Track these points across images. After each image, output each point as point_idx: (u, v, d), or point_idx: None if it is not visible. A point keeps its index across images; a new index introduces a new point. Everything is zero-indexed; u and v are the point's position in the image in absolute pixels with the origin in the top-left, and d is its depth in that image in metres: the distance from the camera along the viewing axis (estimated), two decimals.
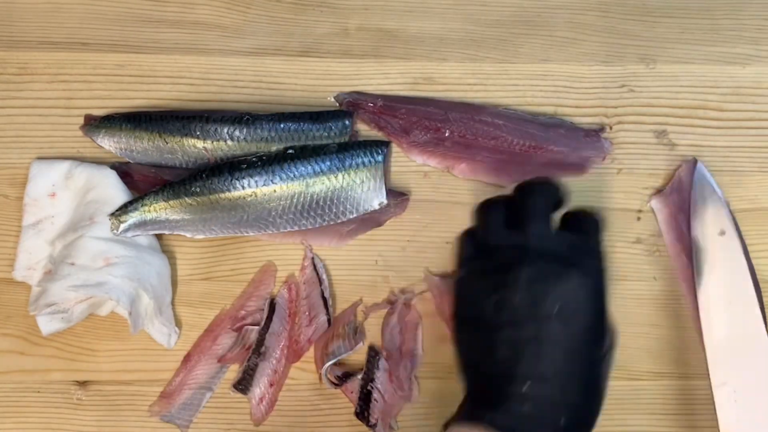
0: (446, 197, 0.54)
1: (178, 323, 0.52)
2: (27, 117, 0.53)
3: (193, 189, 0.51)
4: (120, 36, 0.54)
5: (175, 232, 0.52)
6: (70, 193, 0.51)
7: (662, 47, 0.57)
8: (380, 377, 0.50)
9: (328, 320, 0.52)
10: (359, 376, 0.50)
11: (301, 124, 0.52)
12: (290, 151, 0.52)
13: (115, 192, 0.51)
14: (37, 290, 0.50)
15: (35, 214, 0.51)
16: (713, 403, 0.49)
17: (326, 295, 0.52)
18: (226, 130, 0.52)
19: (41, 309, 0.49)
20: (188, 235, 0.52)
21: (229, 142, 0.52)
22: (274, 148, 0.52)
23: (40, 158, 0.52)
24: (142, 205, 0.51)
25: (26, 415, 0.50)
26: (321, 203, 0.52)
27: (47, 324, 0.49)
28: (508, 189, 0.54)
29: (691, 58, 0.57)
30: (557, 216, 0.46)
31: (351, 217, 0.52)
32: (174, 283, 0.52)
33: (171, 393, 0.50)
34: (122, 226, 0.50)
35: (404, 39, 0.56)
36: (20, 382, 0.50)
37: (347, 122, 0.53)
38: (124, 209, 0.51)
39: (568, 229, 0.46)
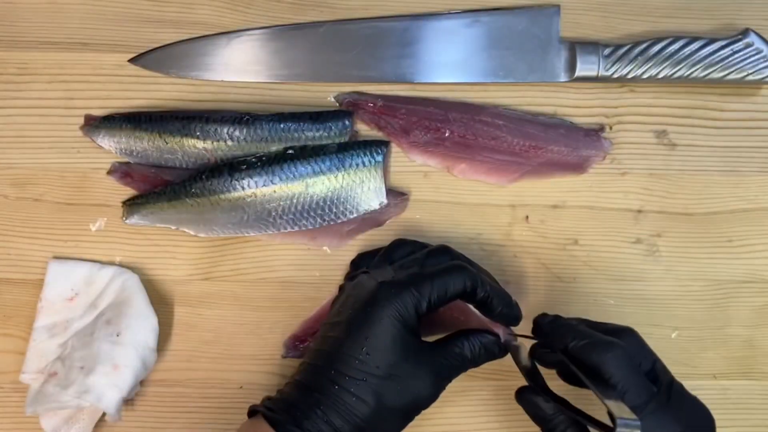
0: (446, 197, 0.54)
1: (178, 323, 0.52)
2: (27, 117, 0.53)
3: (192, 190, 0.51)
4: (120, 36, 0.54)
5: (180, 228, 0.52)
6: (89, 297, 0.51)
7: None
8: None
9: None
10: None
11: (301, 124, 0.52)
12: (290, 151, 0.52)
13: (136, 295, 0.50)
14: (36, 390, 0.49)
15: (50, 317, 0.50)
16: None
17: None
18: (226, 130, 0.52)
19: (44, 411, 0.48)
20: (191, 232, 0.52)
21: (229, 142, 0.52)
22: (274, 148, 0.52)
23: (56, 258, 0.52)
24: (146, 203, 0.52)
25: (26, 415, 0.50)
26: (321, 203, 0.52)
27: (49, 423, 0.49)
28: (508, 188, 0.54)
29: None
30: None
31: (351, 217, 0.52)
32: (174, 283, 0.53)
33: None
34: (129, 221, 0.52)
35: None
36: (20, 382, 0.50)
37: (347, 122, 0.53)
38: (132, 201, 0.52)
39: None
